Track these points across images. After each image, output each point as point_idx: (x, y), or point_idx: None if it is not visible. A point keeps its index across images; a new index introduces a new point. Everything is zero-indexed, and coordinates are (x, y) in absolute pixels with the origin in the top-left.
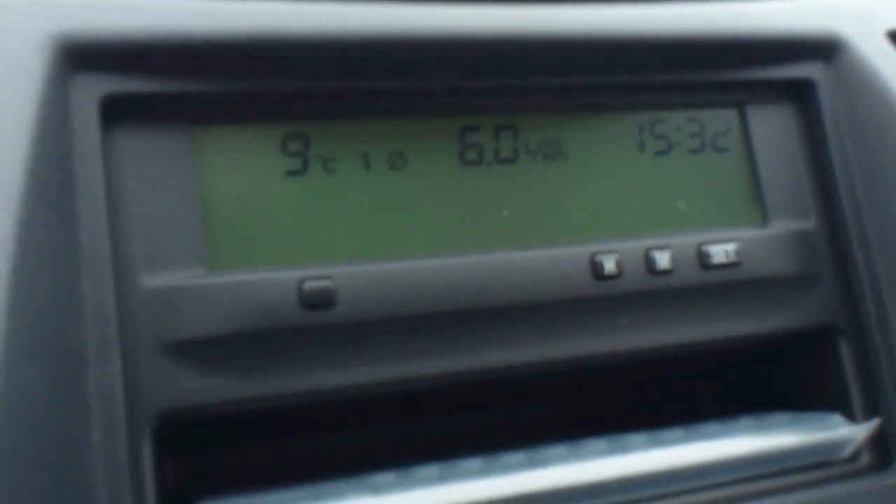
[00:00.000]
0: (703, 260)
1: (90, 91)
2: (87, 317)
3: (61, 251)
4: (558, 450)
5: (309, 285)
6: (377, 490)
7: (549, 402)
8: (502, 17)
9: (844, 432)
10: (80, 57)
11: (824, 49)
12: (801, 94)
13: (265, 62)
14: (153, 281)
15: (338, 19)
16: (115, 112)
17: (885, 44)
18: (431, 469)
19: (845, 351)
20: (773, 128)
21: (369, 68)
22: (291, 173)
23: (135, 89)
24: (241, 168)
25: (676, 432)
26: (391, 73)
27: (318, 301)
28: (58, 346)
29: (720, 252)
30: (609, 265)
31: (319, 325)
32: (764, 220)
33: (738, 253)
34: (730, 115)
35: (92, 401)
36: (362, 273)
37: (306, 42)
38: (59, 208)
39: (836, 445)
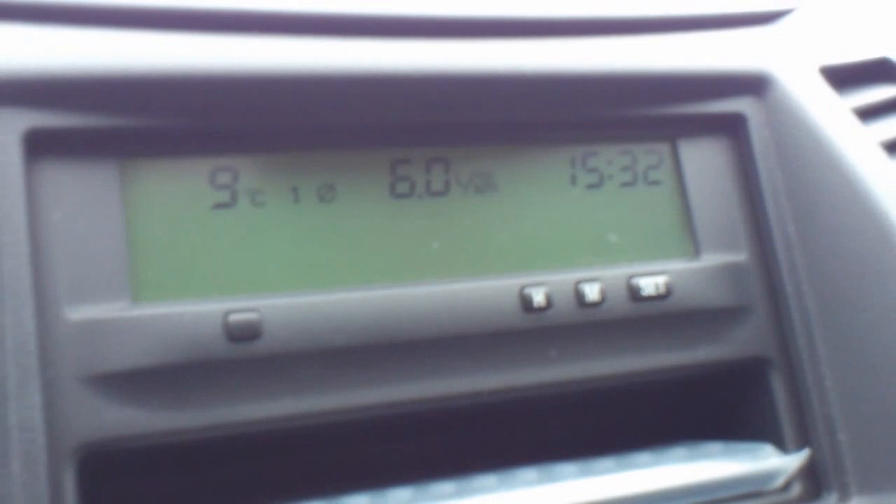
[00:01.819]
0: (633, 292)
1: (12, 126)
2: (7, 349)
3: None
4: (488, 479)
5: (234, 317)
6: None
7: (480, 433)
8: (434, 53)
9: (776, 463)
10: (2, 92)
11: (755, 84)
12: (732, 128)
13: (193, 98)
14: (77, 313)
15: (267, 55)
16: (40, 146)
17: (818, 79)
18: (360, 498)
19: (776, 382)
20: (704, 161)
21: (300, 103)
22: (219, 206)
23: (59, 124)
24: (169, 201)
25: (608, 462)
26: (322, 108)
27: (244, 333)
28: None
29: (650, 284)
30: (538, 297)
31: (245, 357)
32: (695, 252)
33: (668, 285)
34: (661, 149)
35: (12, 433)
36: (289, 305)
37: (235, 78)
38: None
39: (767, 476)
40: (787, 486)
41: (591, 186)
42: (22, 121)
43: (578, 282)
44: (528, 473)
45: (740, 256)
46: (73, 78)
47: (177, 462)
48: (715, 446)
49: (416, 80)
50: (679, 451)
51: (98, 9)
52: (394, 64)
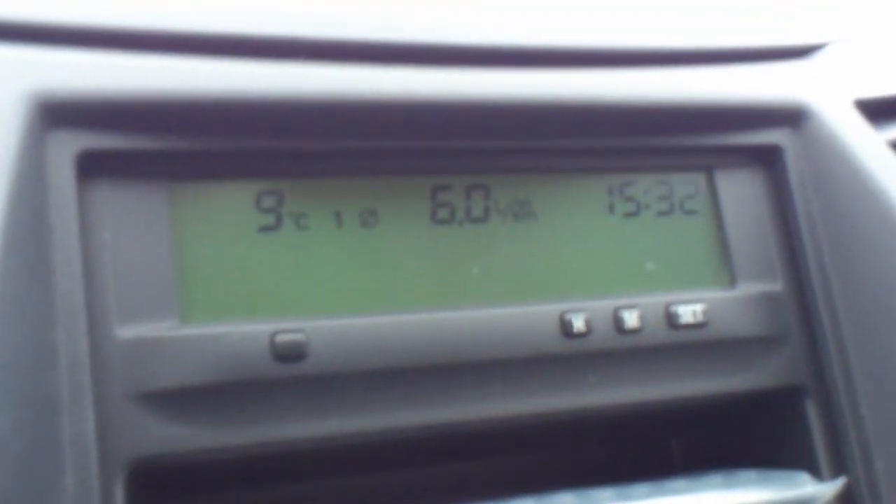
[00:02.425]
0: (671, 320)
1: (66, 147)
2: (60, 365)
3: (36, 302)
4: (527, 503)
5: (281, 338)
6: None
7: (518, 456)
8: (474, 81)
9: (811, 490)
10: (55, 114)
11: (792, 116)
12: (768, 160)
13: (241, 121)
14: (127, 331)
15: (313, 81)
16: (91, 167)
17: (852, 112)
18: None
19: (812, 410)
20: (740, 191)
21: (344, 128)
22: (265, 229)
23: (110, 146)
24: (216, 223)
25: (644, 487)
26: (365, 134)
27: (290, 354)
28: (31, 393)
29: (688, 312)
30: (578, 323)
31: (291, 377)
32: (731, 281)
33: (705, 313)
34: (698, 179)
35: (65, 447)
36: (334, 327)
37: (281, 102)
38: (35, 261)
39: (803, 503)
40: None
41: (629, 215)
42: (75, 142)
43: (617, 308)
44: (566, 498)
45: (776, 286)
46: (125, 101)
47: (220, 481)
48: (750, 474)
49: (458, 108)
50: (714, 478)
51: (149, 34)
52: (437, 91)
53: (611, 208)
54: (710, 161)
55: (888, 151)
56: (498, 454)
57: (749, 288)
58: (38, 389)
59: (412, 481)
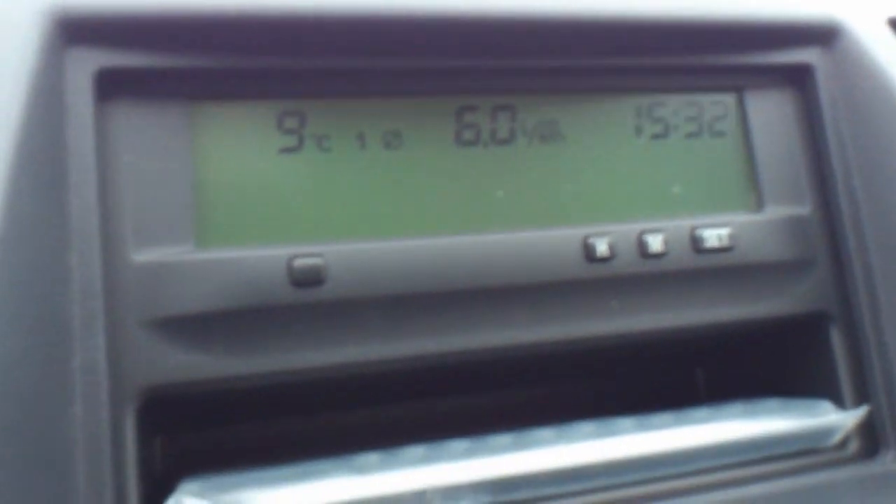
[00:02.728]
0: (696, 244)
1: (84, 65)
2: (73, 290)
3: (50, 224)
4: (546, 433)
5: (299, 262)
6: (362, 470)
7: (540, 385)
8: None
9: (833, 419)
10: (74, 30)
11: (823, 35)
12: (799, 80)
13: (263, 39)
14: (142, 256)
15: None
16: (110, 86)
17: (886, 30)
18: (417, 450)
19: (836, 338)
20: (770, 113)
21: (367, 47)
22: (286, 150)
23: (130, 64)
24: (237, 144)
25: (666, 417)
26: (389, 53)
27: (308, 278)
28: (42, 318)
29: (713, 236)
30: (602, 248)
31: (308, 302)
32: (758, 205)
33: (731, 237)
34: (727, 100)
35: (75, 374)
36: (353, 251)
37: (305, 20)
38: (50, 181)
39: (824, 432)
40: (843, 443)
41: (657, 136)
42: (94, 60)
43: (642, 232)
44: (587, 427)
45: (804, 209)
46: (144, 17)
47: (233, 411)
48: (772, 402)
49: (484, 26)
50: (736, 406)
51: None
52: (463, 8)
53: (638, 130)
54: (741, 81)
55: None
56: (519, 384)
57: (776, 211)
58: (50, 314)
59: (432, 411)
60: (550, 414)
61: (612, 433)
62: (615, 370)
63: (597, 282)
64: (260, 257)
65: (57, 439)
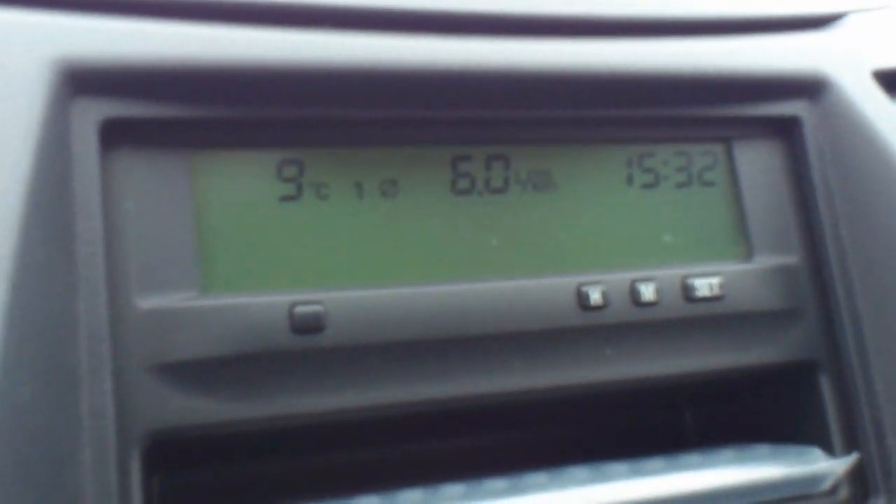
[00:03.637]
0: (687, 293)
1: (90, 115)
2: (80, 336)
3: (58, 271)
4: (540, 477)
5: (300, 310)
6: None
7: (534, 429)
8: (496, 50)
9: (823, 466)
10: (80, 81)
11: (810, 87)
12: (787, 131)
13: (263, 89)
14: (147, 302)
15: (335, 50)
16: (115, 135)
17: (871, 83)
18: (415, 493)
19: (826, 385)
20: (759, 163)
21: (364, 98)
22: (286, 198)
23: (134, 114)
24: (237, 192)
25: (658, 462)
26: (385, 103)
27: (309, 325)
28: (51, 365)
29: (704, 285)
30: (595, 296)
31: (309, 349)
32: (748, 254)
33: (721, 286)
34: (717, 150)
35: (83, 420)
36: (352, 298)
37: (304, 71)
38: (57, 229)
39: (815, 479)
40: (834, 490)
41: (647, 186)
42: (98, 110)
43: (634, 281)
44: (580, 472)
45: (793, 259)
46: (149, 68)
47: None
48: (763, 448)
49: (479, 77)
50: (728, 452)
51: (174, 1)
52: (458, 60)
53: (629, 179)
54: (729, 132)
55: None
56: (512, 427)
57: (766, 261)
58: (58, 361)
59: (428, 454)
60: (544, 455)
61: (606, 478)
62: (607, 412)
63: (590, 329)
64: (262, 304)
65: (67, 483)
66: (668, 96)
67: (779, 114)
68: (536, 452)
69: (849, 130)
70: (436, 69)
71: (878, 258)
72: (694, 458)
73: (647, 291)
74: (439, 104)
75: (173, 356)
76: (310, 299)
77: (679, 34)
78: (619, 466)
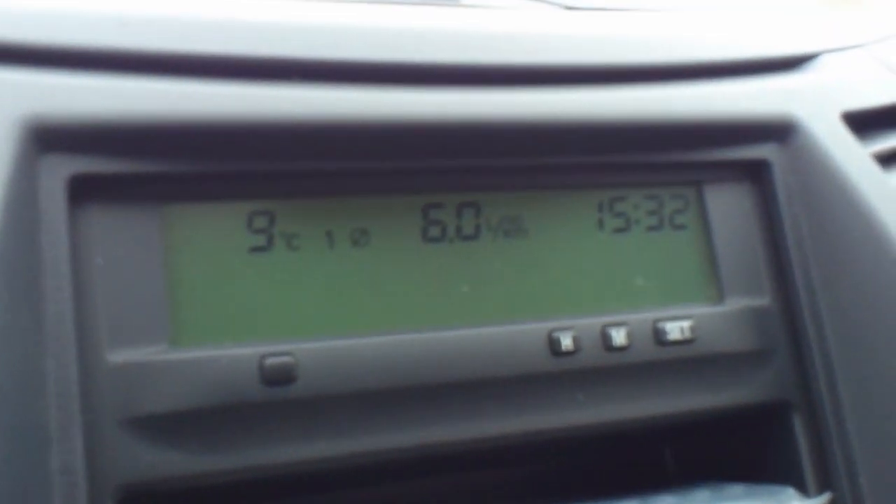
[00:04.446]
0: (658, 336)
1: (58, 172)
2: (49, 393)
3: (26, 329)
4: None
5: (270, 361)
6: None
7: (511, 470)
8: (464, 100)
9: None
10: (48, 138)
11: (779, 130)
12: (756, 174)
13: (232, 143)
14: (117, 356)
15: (304, 103)
16: (83, 191)
17: (839, 125)
18: None
19: (798, 425)
20: (729, 206)
21: (334, 149)
22: (256, 250)
23: (103, 169)
24: (207, 244)
25: (632, 503)
26: (355, 153)
27: (279, 377)
28: (20, 423)
29: (676, 329)
30: (566, 341)
31: (280, 400)
32: (719, 297)
33: (693, 329)
34: (688, 194)
35: (54, 476)
36: (323, 349)
37: (273, 124)
38: (25, 287)
39: None
40: None
41: (618, 231)
42: (67, 167)
43: (605, 326)
44: None
45: (764, 300)
46: (116, 124)
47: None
48: (737, 488)
49: (447, 127)
50: (702, 492)
51: (138, 56)
52: (427, 111)
53: (601, 224)
54: (699, 175)
55: (873, 165)
56: (487, 468)
57: (737, 303)
58: (27, 419)
59: (401, 496)
60: (519, 496)
61: None
62: (583, 452)
63: (562, 375)
64: (232, 356)
65: None
66: (638, 142)
67: (748, 157)
68: (515, 494)
69: (817, 173)
70: (406, 120)
71: (848, 298)
72: (668, 498)
73: (619, 336)
74: (410, 154)
75: (144, 410)
76: (280, 350)
77: (648, 80)
78: None
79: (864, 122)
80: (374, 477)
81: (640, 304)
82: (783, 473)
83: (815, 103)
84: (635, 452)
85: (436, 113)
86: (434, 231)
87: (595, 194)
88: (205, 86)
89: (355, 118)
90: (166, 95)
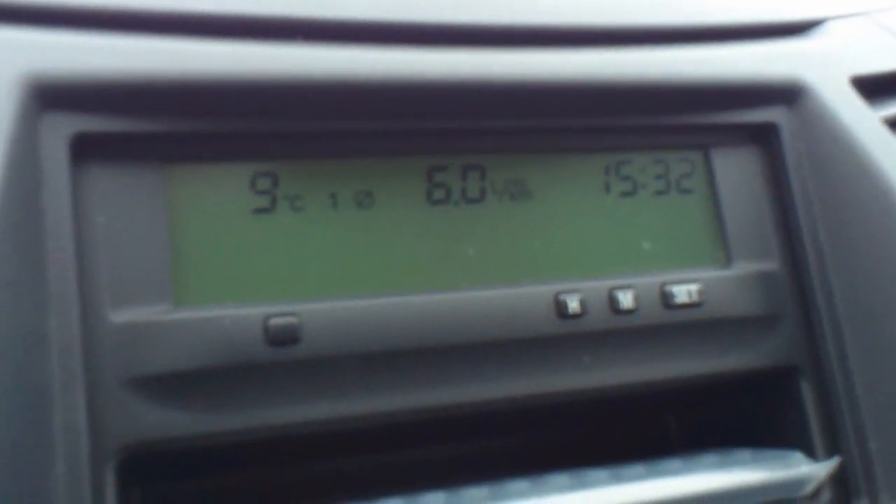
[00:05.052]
0: (666, 300)
1: (60, 130)
2: (52, 352)
3: (28, 288)
4: (521, 484)
5: (274, 322)
6: None
7: (517, 438)
8: (470, 61)
9: (805, 470)
10: (49, 96)
11: (787, 94)
12: (764, 138)
13: (236, 102)
14: (120, 316)
15: (309, 62)
16: (85, 150)
17: (848, 89)
18: (395, 502)
19: (806, 390)
20: (736, 170)
21: (339, 109)
22: (259, 211)
23: (104, 128)
24: (210, 205)
25: (639, 468)
26: (360, 114)
27: (283, 337)
28: (22, 383)
29: (683, 292)
30: (573, 304)
31: (284, 361)
32: (727, 260)
33: (700, 293)
34: (694, 158)
35: (56, 435)
36: (327, 310)
37: (277, 83)
38: (28, 246)
39: (797, 483)
40: (816, 494)
41: (625, 194)
42: (69, 125)
43: (612, 289)
44: (560, 479)
45: (772, 265)
46: (119, 82)
47: (212, 466)
48: (745, 453)
49: (454, 88)
50: (709, 458)
51: (143, 14)
52: (433, 72)
53: (607, 188)
54: (707, 139)
55: (883, 129)
56: (496, 435)
57: (745, 267)
58: (30, 378)
59: (405, 463)
60: (524, 463)
61: (586, 485)
62: (588, 419)
63: (568, 338)
64: (236, 317)
65: (40, 498)
66: (645, 105)
67: (756, 121)
68: (520, 461)
69: (826, 137)
70: (411, 80)
71: (857, 262)
72: (675, 463)
73: (626, 299)
74: (415, 115)
75: (147, 370)
76: (284, 311)
77: (656, 43)
78: (600, 473)
79: (874, 87)
80: (378, 444)
81: (648, 268)
82: (791, 438)
83: (823, 67)
84: (641, 421)
85: (440, 73)
86: (438, 193)
87: (601, 157)
88: (208, 44)
89: (359, 78)
90: (169, 54)
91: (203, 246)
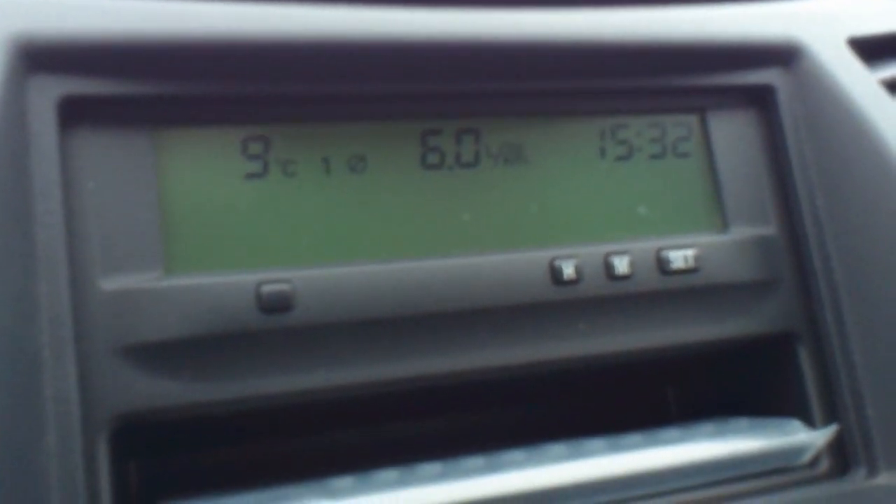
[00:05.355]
0: (662, 265)
1: (48, 92)
2: (42, 319)
3: (17, 254)
4: (517, 454)
5: (267, 289)
6: (336, 494)
7: (510, 407)
8: (464, 21)
9: (803, 438)
10: (37, 58)
11: (784, 55)
12: (761, 101)
13: (227, 64)
14: (110, 283)
15: (300, 23)
16: (74, 113)
17: (846, 50)
18: (390, 473)
19: (804, 357)
20: (733, 133)
21: (331, 72)
22: (251, 176)
23: (94, 91)
24: (201, 170)
25: (636, 437)
26: (353, 77)
27: (276, 305)
28: (13, 349)
29: (679, 258)
30: (568, 270)
31: (277, 328)
32: (723, 225)
33: (696, 259)
34: (691, 121)
35: (47, 403)
36: (320, 277)
37: (268, 45)
38: (15, 210)
39: (795, 451)
40: (814, 462)
41: (621, 158)
42: (56, 87)
43: (608, 254)
44: (557, 448)
45: (769, 230)
46: (108, 44)
47: (205, 436)
48: (742, 422)
49: (448, 50)
50: (707, 426)
51: None
52: (425, 32)
53: (602, 152)
54: (703, 102)
55: (881, 90)
56: (489, 406)
57: (741, 232)
58: (19, 346)
59: (401, 434)
60: (522, 434)
61: (584, 455)
62: (586, 390)
63: (564, 304)
64: (228, 284)
65: (31, 469)
66: (640, 66)
67: (753, 82)
68: (515, 432)
69: (824, 99)
70: (404, 41)
71: (855, 227)
72: (673, 432)
73: (622, 264)
74: (408, 78)
75: (138, 338)
76: (277, 278)
77: (653, 3)
78: (597, 442)
79: (872, 49)
80: (374, 416)
81: (643, 233)
82: (789, 406)
83: (820, 28)
84: (639, 391)
85: (434, 34)
86: (433, 158)
87: (597, 121)
88: (198, 5)
89: (352, 39)
90: (158, 15)
91: (194, 211)
